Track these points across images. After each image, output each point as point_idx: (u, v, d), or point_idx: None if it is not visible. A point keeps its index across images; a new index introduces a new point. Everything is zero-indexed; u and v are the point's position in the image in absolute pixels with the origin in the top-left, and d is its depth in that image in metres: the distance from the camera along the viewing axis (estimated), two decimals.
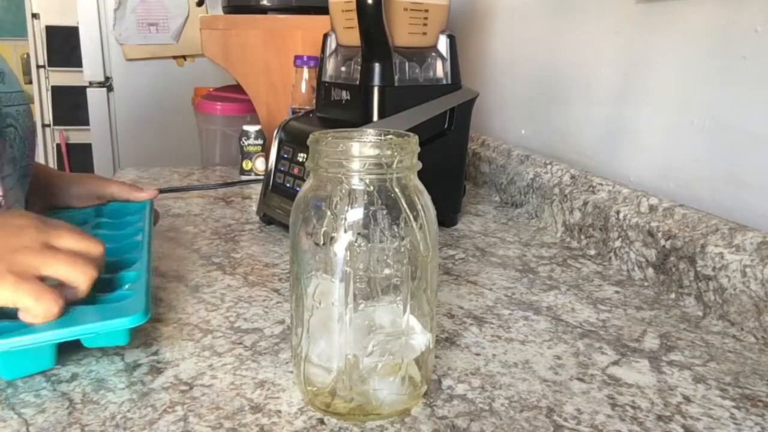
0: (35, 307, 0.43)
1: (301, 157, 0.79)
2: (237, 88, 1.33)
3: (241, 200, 0.97)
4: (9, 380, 0.45)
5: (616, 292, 0.65)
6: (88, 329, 0.44)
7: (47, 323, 0.44)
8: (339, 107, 0.81)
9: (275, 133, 0.84)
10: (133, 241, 0.61)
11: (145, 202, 0.70)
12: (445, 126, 0.82)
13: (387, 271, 0.40)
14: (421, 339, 0.42)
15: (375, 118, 0.76)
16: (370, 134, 0.44)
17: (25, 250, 0.45)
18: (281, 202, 0.80)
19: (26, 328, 0.44)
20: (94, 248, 0.49)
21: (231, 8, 1.32)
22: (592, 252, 0.76)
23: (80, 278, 0.46)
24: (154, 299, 0.59)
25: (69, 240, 0.48)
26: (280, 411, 0.42)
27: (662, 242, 0.65)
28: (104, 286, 0.52)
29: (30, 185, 0.67)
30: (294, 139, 0.82)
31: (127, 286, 0.52)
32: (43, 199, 0.70)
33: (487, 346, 0.52)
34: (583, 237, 0.78)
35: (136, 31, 1.94)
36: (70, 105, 2.78)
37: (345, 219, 0.39)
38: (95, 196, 0.71)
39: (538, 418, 0.42)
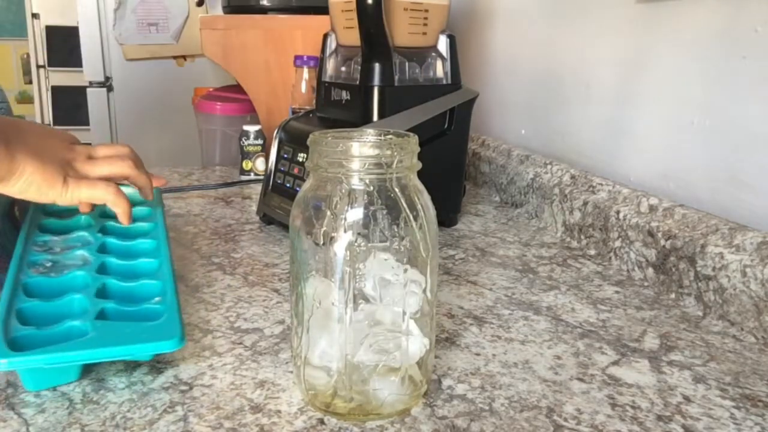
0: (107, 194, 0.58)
1: (301, 157, 0.79)
2: (237, 88, 1.33)
3: (241, 200, 0.97)
4: (33, 391, 0.44)
5: (616, 292, 0.65)
6: (120, 351, 0.43)
7: (82, 341, 0.43)
8: (339, 107, 0.81)
9: (275, 133, 0.84)
10: (148, 246, 0.61)
11: (156, 208, 0.70)
12: (445, 126, 0.82)
13: None
14: (418, 343, 0.42)
15: (375, 118, 0.76)
16: (370, 134, 0.44)
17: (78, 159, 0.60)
18: (281, 202, 0.80)
19: (57, 345, 0.42)
20: (122, 149, 0.65)
21: (231, 8, 1.32)
22: (592, 252, 0.76)
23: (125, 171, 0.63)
24: None
25: (103, 150, 0.64)
26: (280, 411, 0.42)
27: (662, 242, 0.65)
28: (129, 295, 0.51)
29: None
30: (294, 139, 0.82)
31: (156, 299, 0.50)
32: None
33: (487, 346, 0.52)
34: (583, 237, 0.78)
35: (136, 31, 1.94)
36: (70, 105, 2.79)
37: (345, 219, 0.39)
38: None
39: (538, 418, 0.42)
